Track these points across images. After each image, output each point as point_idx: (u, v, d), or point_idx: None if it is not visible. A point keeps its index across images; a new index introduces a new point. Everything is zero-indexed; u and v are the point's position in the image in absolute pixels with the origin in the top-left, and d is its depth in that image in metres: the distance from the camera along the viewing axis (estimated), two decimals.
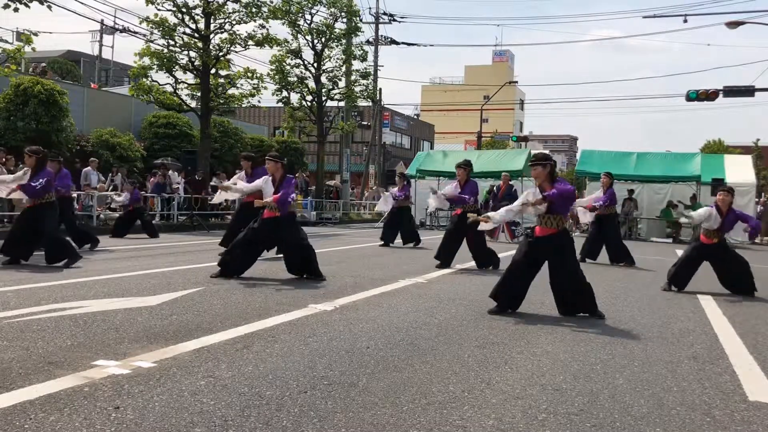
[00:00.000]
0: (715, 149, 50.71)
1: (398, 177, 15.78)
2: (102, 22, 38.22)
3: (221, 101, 21.53)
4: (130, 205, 14.27)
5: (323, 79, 26.59)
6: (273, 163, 7.84)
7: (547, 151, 7.50)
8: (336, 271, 8.53)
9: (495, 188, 18.22)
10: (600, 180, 11.85)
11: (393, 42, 32.91)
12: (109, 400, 3.10)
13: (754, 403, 3.56)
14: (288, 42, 25.40)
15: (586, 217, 10.71)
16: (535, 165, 5.99)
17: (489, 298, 6.03)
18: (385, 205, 14.24)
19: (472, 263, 9.97)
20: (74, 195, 12.63)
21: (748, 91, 24.09)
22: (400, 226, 13.86)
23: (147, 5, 19.24)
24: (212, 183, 15.93)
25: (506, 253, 10.09)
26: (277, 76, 25.43)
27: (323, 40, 26.15)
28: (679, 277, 8.04)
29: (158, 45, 20.20)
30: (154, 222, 15.77)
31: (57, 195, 10.05)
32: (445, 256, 9.68)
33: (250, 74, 21.40)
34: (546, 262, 6.01)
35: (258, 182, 8.17)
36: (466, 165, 9.79)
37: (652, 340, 5.06)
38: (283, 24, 24.92)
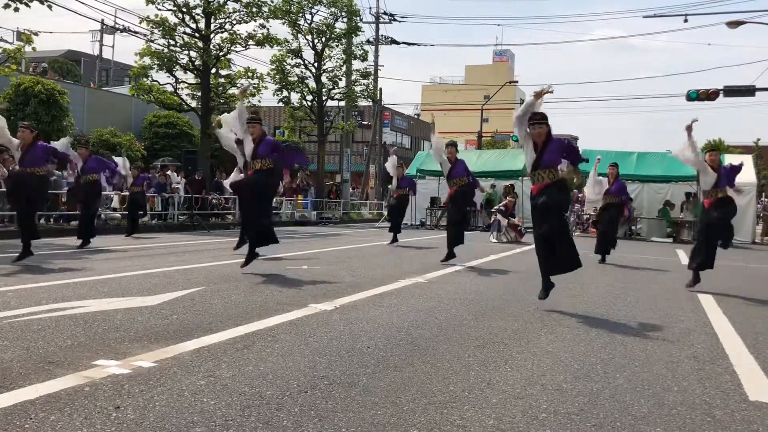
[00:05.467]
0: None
1: (392, 152, 15.55)
2: (102, 22, 38.26)
3: (222, 101, 21.54)
4: (130, 190, 14.44)
5: (323, 78, 26.59)
6: (257, 125, 8.02)
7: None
8: (336, 271, 8.53)
9: (501, 204, 18.29)
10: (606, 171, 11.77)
11: (393, 42, 32.89)
12: (110, 399, 3.11)
13: (755, 402, 3.55)
14: (288, 42, 25.40)
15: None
16: (541, 123, 6.17)
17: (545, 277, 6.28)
18: (391, 167, 14.43)
19: (473, 263, 9.98)
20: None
21: (748, 91, 24.09)
22: (401, 216, 14.34)
23: (147, 5, 19.28)
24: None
25: (506, 252, 10.09)
26: (277, 76, 25.43)
27: (323, 39, 26.14)
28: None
29: (158, 45, 20.23)
30: (145, 221, 15.90)
31: (87, 180, 10.60)
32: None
33: (250, 74, 21.42)
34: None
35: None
36: (453, 144, 10.47)
37: (652, 340, 5.06)
38: (284, 24, 24.96)
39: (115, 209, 17.04)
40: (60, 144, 9.71)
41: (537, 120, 6.18)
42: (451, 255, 10.00)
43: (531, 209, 6.36)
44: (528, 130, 6.23)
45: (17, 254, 8.51)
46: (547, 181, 6.14)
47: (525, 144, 6.30)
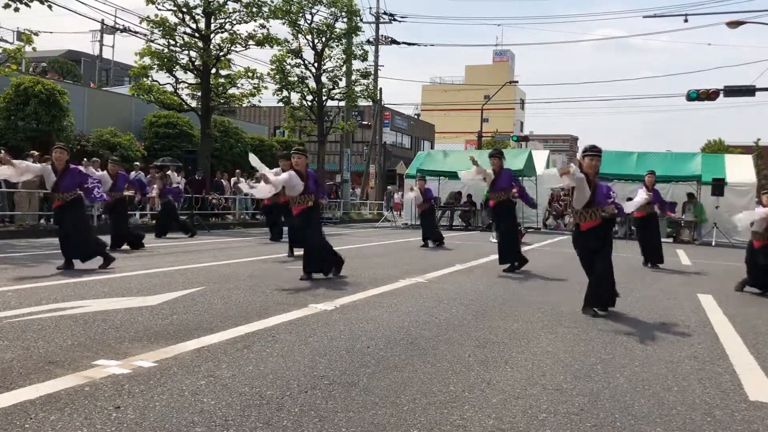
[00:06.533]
0: (716, 149, 50.76)
1: (418, 179, 16.41)
2: (102, 22, 38.28)
3: (222, 101, 21.54)
4: (167, 198, 14.63)
5: (324, 78, 26.58)
6: (299, 156, 7.77)
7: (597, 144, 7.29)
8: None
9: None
10: (645, 179, 11.46)
11: (393, 42, 32.86)
12: (110, 399, 3.11)
13: (755, 402, 3.56)
14: (288, 42, 25.39)
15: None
16: (594, 156, 6.02)
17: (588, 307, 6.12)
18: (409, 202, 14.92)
19: (473, 263, 9.98)
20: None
21: (748, 91, 24.06)
22: (431, 224, 14.58)
23: (147, 5, 19.25)
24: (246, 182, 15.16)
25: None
26: (277, 76, 25.41)
27: (324, 39, 26.13)
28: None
29: (159, 45, 20.21)
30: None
31: (116, 197, 10.73)
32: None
33: (250, 74, 21.41)
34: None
35: (283, 176, 7.79)
36: (498, 154, 9.97)
37: (652, 339, 5.06)
38: (284, 24, 24.92)
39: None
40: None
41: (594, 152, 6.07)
42: (511, 266, 9.41)
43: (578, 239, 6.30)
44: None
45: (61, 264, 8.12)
46: (597, 220, 6.12)
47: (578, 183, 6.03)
